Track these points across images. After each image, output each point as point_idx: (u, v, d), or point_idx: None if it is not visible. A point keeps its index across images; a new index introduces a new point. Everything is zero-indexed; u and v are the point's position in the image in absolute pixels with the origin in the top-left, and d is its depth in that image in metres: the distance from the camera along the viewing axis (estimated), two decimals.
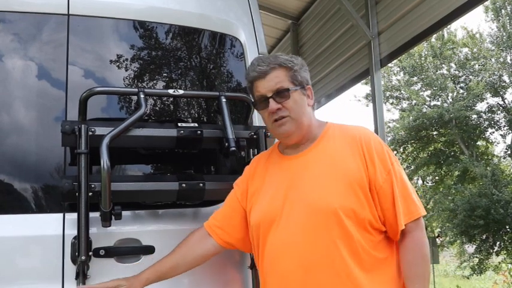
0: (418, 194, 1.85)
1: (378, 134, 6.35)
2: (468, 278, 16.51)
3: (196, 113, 2.31)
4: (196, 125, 1.95)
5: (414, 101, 20.88)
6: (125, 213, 1.75)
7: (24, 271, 1.77)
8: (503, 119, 19.48)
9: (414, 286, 1.60)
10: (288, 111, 1.69)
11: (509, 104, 19.13)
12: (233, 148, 1.87)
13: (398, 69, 21.44)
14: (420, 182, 22.92)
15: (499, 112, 19.50)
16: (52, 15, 2.00)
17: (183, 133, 1.89)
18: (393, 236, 1.66)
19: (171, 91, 1.96)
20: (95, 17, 2.07)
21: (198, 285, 1.97)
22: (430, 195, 21.09)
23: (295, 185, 1.67)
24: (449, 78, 20.09)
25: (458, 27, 23.08)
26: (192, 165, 2.21)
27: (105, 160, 1.67)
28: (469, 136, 19.72)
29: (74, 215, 1.73)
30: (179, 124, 1.92)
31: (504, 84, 18.94)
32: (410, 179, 20.66)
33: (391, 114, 27.67)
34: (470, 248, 17.29)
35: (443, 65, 20.44)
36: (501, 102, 19.37)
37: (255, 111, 2.01)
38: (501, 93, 19.12)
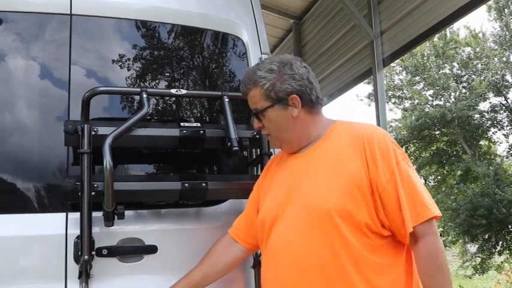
0: None
1: None
2: (470, 278, 16.46)
3: (199, 112, 2.31)
4: (199, 124, 1.95)
5: (416, 101, 20.86)
6: (127, 212, 1.75)
7: (27, 270, 1.77)
8: (505, 119, 19.45)
9: None
10: (267, 130, 1.72)
11: None
12: (236, 148, 1.87)
13: (400, 68, 21.42)
14: (422, 181, 22.86)
15: (501, 112, 19.48)
16: (54, 15, 2.00)
17: (185, 133, 1.88)
18: (403, 239, 1.55)
19: (173, 91, 1.96)
20: (97, 17, 2.07)
21: None
22: (433, 194, 20.97)
23: (296, 184, 1.66)
24: (452, 78, 20.06)
25: (461, 27, 23.16)
26: (195, 165, 2.21)
27: (107, 160, 1.67)
28: (472, 136, 19.70)
29: (77, 215, 1.73)
30: (182, 124, 1.91)
31: (507, 83, 18.92)
32: None
33: (393, 113, 27.60)
34: (473, 248, 17.26)
35: (445, 65, 20.41)
36: (504, 102, 19.35)
37: None
38: (504, 92, 19.09)
